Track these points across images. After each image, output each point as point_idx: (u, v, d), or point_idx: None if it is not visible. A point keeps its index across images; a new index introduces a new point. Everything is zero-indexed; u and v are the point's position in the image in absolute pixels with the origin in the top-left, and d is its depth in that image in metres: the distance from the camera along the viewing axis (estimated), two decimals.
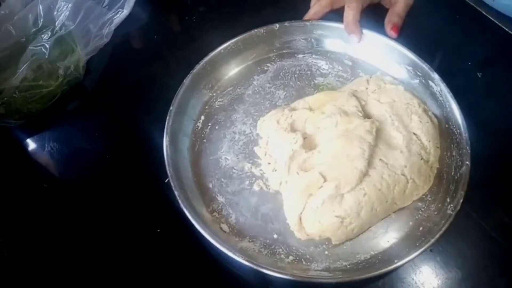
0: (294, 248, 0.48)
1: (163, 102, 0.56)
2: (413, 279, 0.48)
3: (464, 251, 0.49)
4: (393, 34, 0.59)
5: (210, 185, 0.53)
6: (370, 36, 0.60)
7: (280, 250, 0.48)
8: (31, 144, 0.61)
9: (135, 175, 0.57)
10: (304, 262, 0.47)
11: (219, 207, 0.51)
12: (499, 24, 0.63)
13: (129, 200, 0.54)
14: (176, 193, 0.48)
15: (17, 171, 0.58)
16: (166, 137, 0.52)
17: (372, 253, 0.47)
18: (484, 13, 0.65)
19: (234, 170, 0.54)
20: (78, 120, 0.64)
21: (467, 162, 0.49)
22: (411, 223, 0.49)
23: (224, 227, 0.49)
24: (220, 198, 0.52)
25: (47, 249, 0.51)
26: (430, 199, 0.50)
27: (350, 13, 0.58)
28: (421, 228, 0.48)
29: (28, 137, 0.62)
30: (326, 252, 0.48)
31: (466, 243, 0.49)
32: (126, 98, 0.64)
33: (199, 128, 0.57)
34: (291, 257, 0.47)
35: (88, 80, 0.66)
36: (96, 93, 0.66)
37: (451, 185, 0.49)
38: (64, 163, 0.60)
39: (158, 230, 0.52)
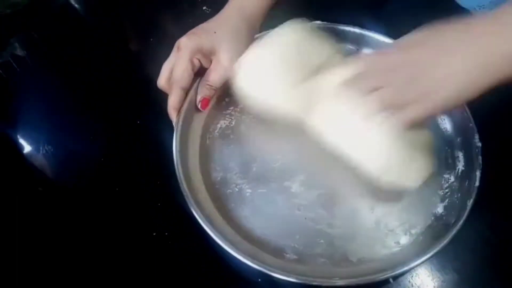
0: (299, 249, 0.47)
1: (163, 104, 0.55)
2: (409, 281, 0.49)
3: (461, 254, 0.50)
4: (201, 108, 0.55)
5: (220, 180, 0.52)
6: (371, 38, 0.62)
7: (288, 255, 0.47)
8: (26, 147, 0.60)
9: (131, 179, 0.56)
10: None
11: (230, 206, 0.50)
12: None
13: (125, 204, 0.54)
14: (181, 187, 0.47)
15: (12, 174, 0.57)
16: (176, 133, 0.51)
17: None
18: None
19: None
20: (74, 123, 0.63)
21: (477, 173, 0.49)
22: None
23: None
24: (232, 197, 0.51)
25: (43, 253, 0.51)
26: None
27: (171, 98, 0.53)
28: None
29: (23, 140, 0.61)
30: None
31: (463, 246, 0.50)
32: (124, 100, 0.64)
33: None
34: (294, 256, 0.47)
35: (86, 82, 0.65)
36: (93, 95, 0.66)
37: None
38: (59, 166, 0.59)
39: (154, 234, 0.52)
